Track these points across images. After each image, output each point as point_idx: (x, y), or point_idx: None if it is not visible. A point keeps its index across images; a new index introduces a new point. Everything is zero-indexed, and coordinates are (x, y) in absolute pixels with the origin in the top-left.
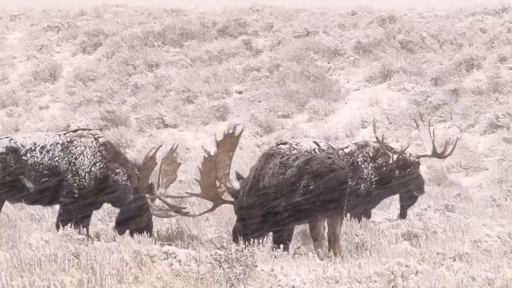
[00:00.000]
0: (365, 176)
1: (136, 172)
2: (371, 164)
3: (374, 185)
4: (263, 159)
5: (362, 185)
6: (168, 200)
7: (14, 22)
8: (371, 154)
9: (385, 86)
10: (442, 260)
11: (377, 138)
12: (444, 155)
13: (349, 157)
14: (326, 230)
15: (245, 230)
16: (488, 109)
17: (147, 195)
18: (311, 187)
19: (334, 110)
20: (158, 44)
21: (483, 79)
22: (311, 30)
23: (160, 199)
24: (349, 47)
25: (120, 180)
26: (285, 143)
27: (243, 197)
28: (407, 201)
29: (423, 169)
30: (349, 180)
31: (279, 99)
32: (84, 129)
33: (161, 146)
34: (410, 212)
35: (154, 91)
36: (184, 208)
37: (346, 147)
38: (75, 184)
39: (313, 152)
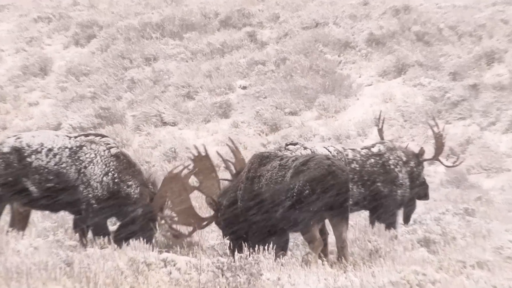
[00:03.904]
0: (400, 181)
1: (150, 187)
2: (404, 168)
3: (409, 190)
4: (256, 161)
5: (399, 191)
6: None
7: (2, 12)
8: (404, 158)
9: (399, 81)
10: (462, 268)
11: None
12: (454, 164)
13: (378, 158)
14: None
15: (238, 238)
16: (511, 105)
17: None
18: (306, 191)
19: (345, 107)
20: (156, 36)
21: (505, 74)
22: (321, 21)
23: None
24: (361, 39)
25: (132, 194)
26: (295, 144)
27: (228, 207)
28: (412, 207)
29: (440, 170)
30: (383, 185)
31: (286, 95)
32: (97, 135)
33: (188, 166)
34: (427, 216)
35: (151, 87)
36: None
37: (372, 146)
38: (90, 195)
39: None
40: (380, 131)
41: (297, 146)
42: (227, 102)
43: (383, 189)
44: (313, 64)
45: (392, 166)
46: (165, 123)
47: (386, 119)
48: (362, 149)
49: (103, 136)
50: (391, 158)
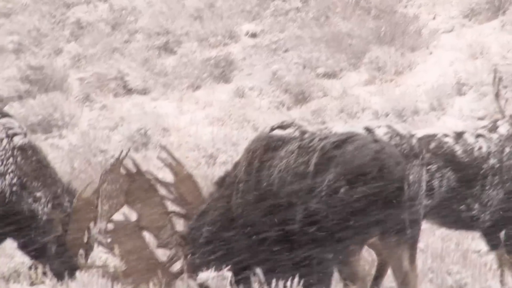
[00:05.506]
0: None
1: (66, 204)
2: None
3: None
4: (261, 146)
5: None
6: None
7: None
8: None
9: (496, 25)
10: None
11: None
12: None
13: (510, 145)
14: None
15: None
16: None
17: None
18: (342, 189)
19: (411, 66)
20: None
21: None
22: None
23: None
24: None
25: (39, 213)
26: (285, 126)
27: (217, 232)
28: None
29: None
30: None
31: (319, 46)
32: None
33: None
34: None
35: (109, 34)
36: None
37: (495, 126)
38: None
39: None
40: (498, 97)
41: None
42: (226, 58)
43: None
44: None
45: None
46: (130, 91)
47: (476, 84)
48: (490, 131)
49: (2, 114)
50: None
